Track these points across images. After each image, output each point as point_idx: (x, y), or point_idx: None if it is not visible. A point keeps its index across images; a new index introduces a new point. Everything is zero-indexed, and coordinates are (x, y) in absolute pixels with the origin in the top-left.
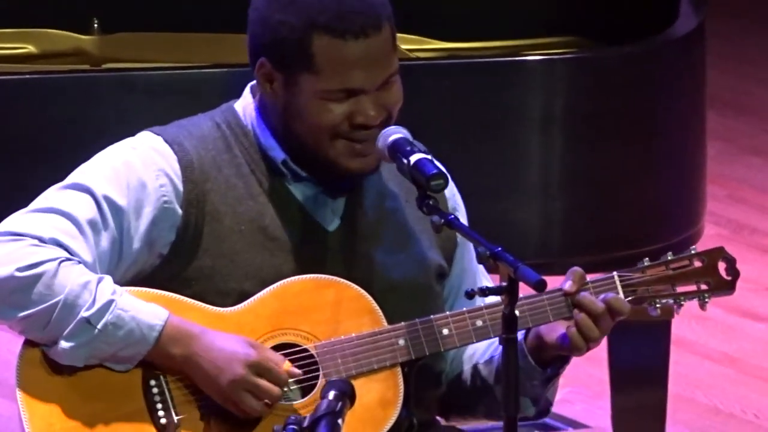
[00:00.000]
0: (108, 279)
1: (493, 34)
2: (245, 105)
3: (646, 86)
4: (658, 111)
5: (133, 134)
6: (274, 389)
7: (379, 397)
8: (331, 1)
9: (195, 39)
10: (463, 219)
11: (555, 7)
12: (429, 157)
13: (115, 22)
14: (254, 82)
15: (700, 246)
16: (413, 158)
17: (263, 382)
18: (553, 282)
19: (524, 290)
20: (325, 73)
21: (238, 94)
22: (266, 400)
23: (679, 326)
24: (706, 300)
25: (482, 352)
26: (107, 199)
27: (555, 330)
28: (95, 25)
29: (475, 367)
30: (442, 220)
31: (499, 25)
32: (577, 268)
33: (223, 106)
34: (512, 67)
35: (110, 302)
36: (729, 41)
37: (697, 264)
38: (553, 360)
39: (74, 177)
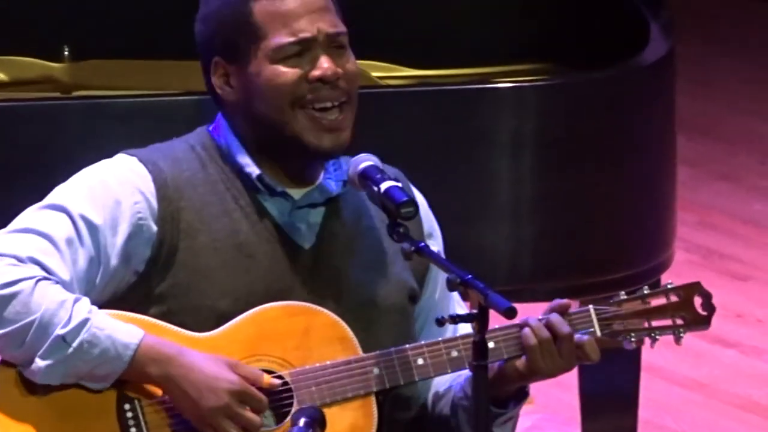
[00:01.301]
0: (85, 300)
1: (464, 62)
2: (219, 128)
3: (616, 112)
4: (629, 136)
5: (102, 159)
6: (256, 419)
7: (353, 425)
8: None
9: (166, 66)
10: (438, 243)
11: (525, 33)
12: (399, 184)
13: (86, 49)
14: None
15: (671, 272)
16: (383, 186)
17: (246, 413)
18: (523, 309)
19: (500, 320)
20: (270, 32)
21: (209, 121)
22: (246, 430)
23: (649, 352)
24: (681, 335)
25: (444, 380)
26: (83, 217)
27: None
28: (66, 53)
29: (435, 395)
30: (413, 248)
31: (469, 52)
32: (560, 300)
33: (198, 129)
34: (482, 94)
35: (86, 320)
36: (699, 66)
37: (673, 299)
38: (510, 396)
39: (51, 198)
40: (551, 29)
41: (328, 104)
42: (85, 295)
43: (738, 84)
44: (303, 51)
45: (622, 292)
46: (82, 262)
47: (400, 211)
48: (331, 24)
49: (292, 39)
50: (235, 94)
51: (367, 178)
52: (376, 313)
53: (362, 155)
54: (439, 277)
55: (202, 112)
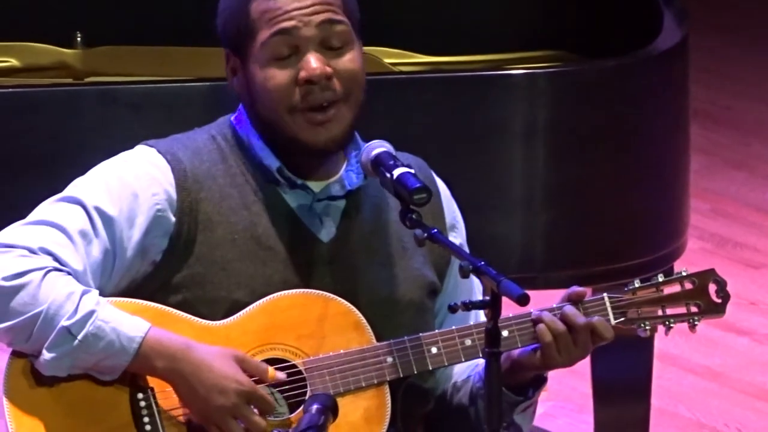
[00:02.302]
0: (94, 292)
1: (477, 48)
2: (240, 117)
3: (629, 100)
4: (642, 125)
5: (116, 148)
6: (262, 422)
7: (366, 415)
8: None
9: (179, 52)
10: (461, 235)
11: (538, 21)
12: (412, 170)
13: (99, 35)
14: None
15: (684, 259)
16: (396, 172)
17: (253, 415)
18: (536, 297)
19: (513, 307)
20: (261, 30)
21: (222, 108)
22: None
23: (662, 340)
24: (696, 322)
25: (462, 370)
26: (98, 209)
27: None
28: (78, 39)
29: (454, 386)
30: (425, 234)
31: (482, 39)
32: (576, 288)
33: (220, 119)
34: (495, 80)
35: (91, 312)
36: (712, 55)
37: (688, 286)
38: (528, 383)
39: (67, 191)
40: (564, 17)
41: (322, 104)
42: (100, 286)
43: (752, 73)
44: (291, 50)
45: (636, 280)
46: (97, 253)
47: (412, 198)
48: (325, 16)
49: (272, 33)
50: (243, 88)
51: (380, 164)
52: (394, 309)
53: (374, 142)
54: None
55: (217, 99)
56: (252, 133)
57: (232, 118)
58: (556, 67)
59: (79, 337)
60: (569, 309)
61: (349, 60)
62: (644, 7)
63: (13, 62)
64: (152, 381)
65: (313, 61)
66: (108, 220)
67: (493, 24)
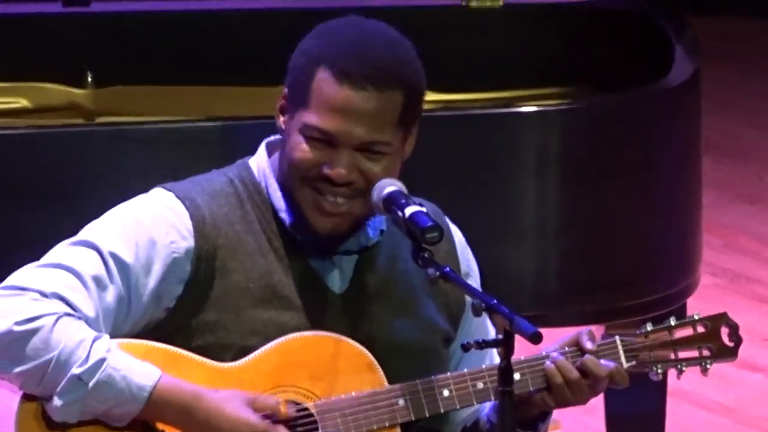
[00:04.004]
0: (105, 338)
1: (487, 86)
2: (259, 161)
3: (641, 134)
4: (654, 158)
5: (128, 187)
6: None
7: None
8: (360, 42)
9: (190, 92)
10: (476, 283)
11: (548, 56)
12: (424, 209)
13: (109, 75)
14: (270, 138)
15: (697, 296)
16: (408, 211)
17: None
18: (549, 334)
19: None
20: (311, 108)
21: (236, 148)
22: None
23: (675, 376)
24: (708, 366)
25: (472, 413)
26: (114, 255)
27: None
28: (89, 79)
29: (464, 429)
30: (437, 273)
31: (492, 77)
32: (589, 329)
33: (239, 162)
34: (507, 118)
35: (102, 360)
36: (724, 87)
37: (700, 329)
38: (535, 417)
39: (83, 234)
40: (574, 52)
41: (331, 197)
42: (113, 332)
43: (764, 104)
44: (328, 141)
45: (649, 323)
46: (111, 299)
47: (424, 236)
48: (368, 133)
49: (318, 126)
50: (282, 132)
51: (392, 203)
52: (407, 357)
53: (386, 180)
54: (473, 317)
55: (231, 139)
56: (270, 180)
57: (250, 160)
58: (567, 104)
59: (90, 385)
60: (590, 361)
61: (381, 167)
62: (655, 41)
63: (24, 103)
64: (163, 426)
65: (343, 165)
66: (123, 267)
67: (503, 61)
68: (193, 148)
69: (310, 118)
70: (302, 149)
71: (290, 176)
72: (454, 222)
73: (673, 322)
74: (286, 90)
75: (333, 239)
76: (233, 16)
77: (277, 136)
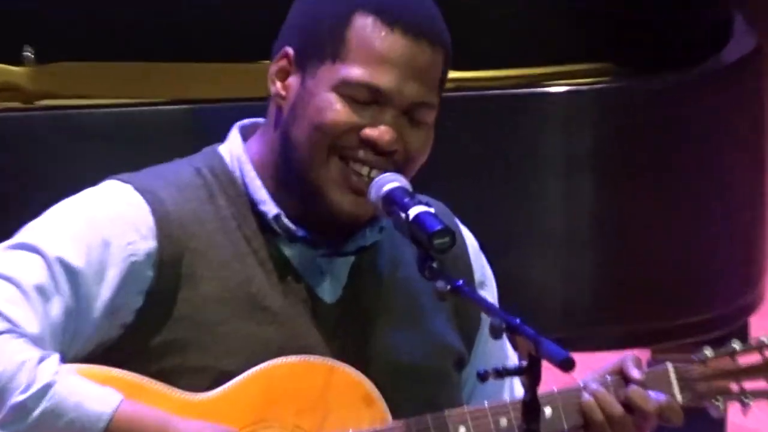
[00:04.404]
0: (53, 358)
1: (507, 61)
2: (232, 148)
3: (691, 122)
4: (708, 151)
5: (77, 185)
6: None
7: None
8: None
9: (151, 70)
10: (493, 294)
11: (580, 28)
12: (432, 210)
13: (54, 50)
14: (243, 121)
15: (760, 315)
16: (413, 211)
17: None
18: (583, 361)
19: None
20: (352, 60)
21: (206, 136)
22: None
23: (736, 412)
24: None
25: None
26: (60, 260)
27: None
28: (29, 54)
29: None
30: (448, 287)
31: (513, 51)
32: (633, 354)
33: (206, 149)
34: (530, 100)
35: (49, 385)
36: None
37: None
38: None
39: (23, 235)
40: (609, 23)
41: (366, 169)
42: (60, 351)
43: None
44: (372, 102)
45: (707, 348)
46: (57, 312)
47: (432, 242)
48: (421, 92)
49: (365, 81)
50: (283, 101)
51: (393, 202)
52: (413, 380)
53: (386, 175)
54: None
55: (197, 125)
56: (248, 168)
57: (220, 148)
58: (603, 83)
59: (35, 413)
60: (637, 393)
61: (422, 139)
62: (708, 10)
63: None
64: None
65: (388, 128)
66: (72, 274)
67: (525, 33)
68: (154, 137)
69: (351, 71)
70: (337, 109)
71: (315, 146)
72: (467, 225)
73: (737, 346)
74: (288, 49)
75: (340, 232)
76: None
77: (253, 120)
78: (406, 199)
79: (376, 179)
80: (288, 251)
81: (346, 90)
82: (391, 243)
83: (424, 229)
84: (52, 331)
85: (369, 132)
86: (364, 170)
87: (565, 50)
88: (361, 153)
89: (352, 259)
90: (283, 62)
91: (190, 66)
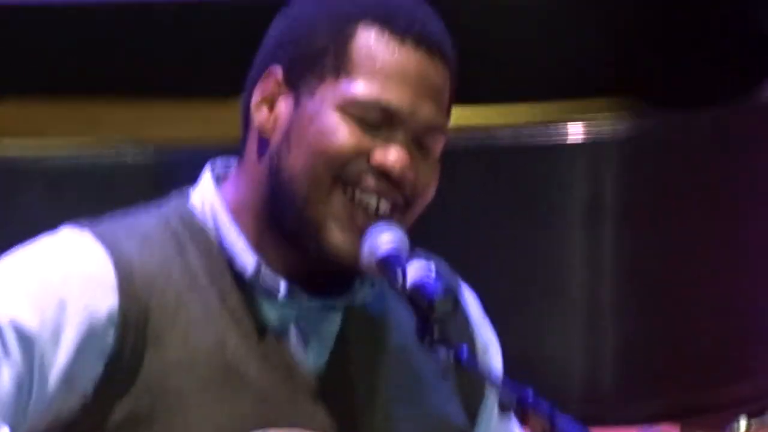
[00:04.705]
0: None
1: (523, 95)
2: (204, 193)
3: (726, 164)
4: (747, 195)
5: (24, 235)
6: None
7: None
8: (403, 2)
9: (112, 108)
10: (497, 361)
11: (601, 59)
12: (432, 269)
13: (2, 84)
14: (215, 162)
15: None
16: (411, 271)
17: None
18: None
19: None
20: (359, 75)
21: (174, 183)
22: None
23: None
24: None
25: None
26: (13, 323)
27: None
28: None
29: None
30: (450, 357)
31: (528, 84)
32: (659, 428)
33: (174, 195)
34: (549, 139)
35: None
36: None
37: None
38: None
39: None
40: (636, 55)
41: (374, 199)
42: (12, 425)
43: None
44: (383, 123)
45: (743, 418)
46: (8, 383)
47: (433, 307)
48: (434, 114)
49: (375, 99)
50: (272, 126)
51: (388, 261)
52: None
53: (381, 226)
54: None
55: (165, 170)
56: (222, 216)
57: (189, 192)
58: (629, 120)
59: None
60: None
61: (431, 172)
62: (744, 41)
63: None
64: None
65: (400, 153)
66: (25, 338)
67: (543, 64)
68: (115, 184)
69: (360, 88)
70: (344, 129)
71: (317, 176)
72: (477, 285)
73: None
74: (275, 69)
75: (327, 287)
76: (172, 7)
77: (226, 160)
78: (404, 259)
79: (370, 230)
80: (268, 310)
81: (353, 110)
82: (383, 305)
83: (423, 293)
84: (3, 404)
85: (381, 157)
86: (373, 200)
87: (583, 83)
88: (370, 180)
89: (339, 320)
90: (269, 85)
91: (161, 103)
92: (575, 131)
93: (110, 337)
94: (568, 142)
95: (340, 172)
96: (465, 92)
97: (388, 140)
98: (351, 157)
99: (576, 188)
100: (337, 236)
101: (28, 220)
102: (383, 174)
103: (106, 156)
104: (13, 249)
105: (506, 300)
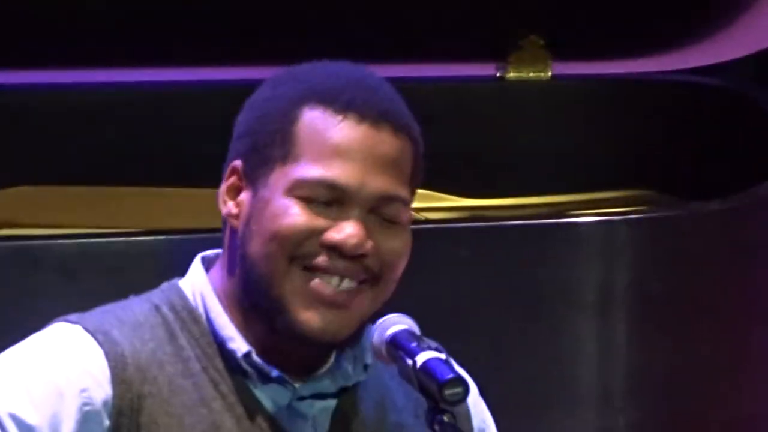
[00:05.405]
0: None
1: (531, 189)
2: (194, 281)
3: (744, 257)
4: (762, 290)
5: (31, 326)
6: None
7: None
8: (352, 75)
9: (122, 195)
10: None
11: (611, 152)
12: (443, 356)
13: (8, 173)
14: (205, 252)
15: None
16: (420, 358)
17: None
18: None
19: None
20: (304, 157)
21: (182, 270)
22: None
23: None
24: None
25: None
26: (14, 418)
27: None
28: None
29: None
30: None
31: (539, 176)
32: None
33: (165, 284)
34: (557, 231)
35: None
36: None
37: None
38: None
39: None
40: (647, 147)
41: (335, 279)
42: None
43: None
44: (333, 201)
45: None
46: None
47: (444, 393)
48: (386, 185)
49: (320, 178)
50: (236, 215)
51: (398, 347)
52: None
53: (392, 316)
54: None
55: (172, 258)
56: (213, 303)
57: (181, 282)
58: (642, 213)
59: None
60: None
61: (396, 239)
62: (757, 131)
63: None
64: None
65: (353, 227)
66: (26, 431)
67: (552, 157)
68: (127, 273)
69: (304, 170)
70: (292, 213)
71: (273, 257)
72: (483, 377)
73: None
74: (237, 162)
75: (317, 365)
76: (178, 92)
77: (216, 251)
78: (414, 344)
79: (379, 322)
80: (260, 394)
81: (301, 191)
82: (378, 384)
83: (434, 378)
84: None
85: (331, 235)
86: (333, 281)
87: (594, 177)
88: (325, 261)
89: (333, 402)
90: (233, 179)
91: (167, 191)
92: (587, 219)
93: (105, 426)
94: (578, 224)
95: (295, 251)
96: (478, 186)
97: (340, 217)
98: (303, 237)
99: (587, 275)
100: (302, 313)
101: (35, 302)
102: (337, 252)
103: (113, 243)
104: (26, 330)
105: (516, 392)
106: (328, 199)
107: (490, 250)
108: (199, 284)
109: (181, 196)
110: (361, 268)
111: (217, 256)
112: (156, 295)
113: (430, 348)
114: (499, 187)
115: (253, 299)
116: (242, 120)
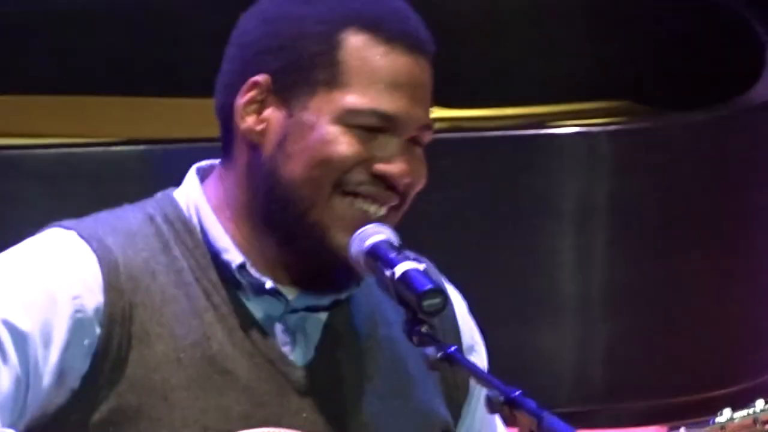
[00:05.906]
0: None
1: (514, 99)
2: (189, 192)
3: (724, 167)
4: (739, 203)
5: (24, 233)
6: None
7: None
8: (384, 6)
9: (104, 104)
10: (482, 360)
11: (595, 63)
12: (422, 267)
13: None
14: (200, 163)
15: None
16: (399, 268)
17: None
18: None
19: None
20: (353, 85)
21: (162, 180)
22: None
23: None
24: None
25: None
26: (6, 323)
27: None
28: None
29: None
30: (439, 354)
31: (521, 87)
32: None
33: (159, 194)
34: (539, 142)
35: None
36: None
37: None
38: None
39: None
40: (630, 58)
41: (375, 207)
42: (11, 424)
43: None
44: (378, 129)
45: (727, 410)
46: (6, 384)
47: (422, 304)
48: (425, 114)
49: (372, 108)
50: (263, 136)
51: (377, 257)
52: None
53: (371, 226)
54: (481, 404)
55: (154, 167)
56: (207, 214)
57: (175, 192)
58: (621, 123)
59: None
60: None
61: (423, 166)
62: (737, 42)
63: None
64: None
65: (403, 160)
66: (20, 338)
67: (535, 67)
68: (107, 182)
69: (356, 99)
70: (345, 142)
71: (317, 184)
72: (464, 285)
73: (760, 406)
74: (261, 77)
75: (313, 284)
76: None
77: (211, 161)
78: (393, 254)
79: (358, 232)
80: (253, 306)
81: (351, 120)
82: (369, 298)
83: (412, 289)
84: (2, 406)
85: (383, 167)
86: (373, 208)
87: (576, 87)
88: (370, 189)
89: (324, 315)
90: (253, 93)
91: (141, 101)
92: (567, 130)
93: (96, 332)
94: (558, 135)
95: (342, 178)
96: (459, 97)
97: (386, 145)
98: (352, 166)
99: (569, 186)
100: (341, 238)
101: (18, 209)
102: (385, 181)
103: (96, 153)
104: (10, 238)
105: (496, 300)
106: (377, 127)
107: (470, 160)
108: (194, 196)
109: (157, 106)
110: (397, 195)
111: (212, 167)
112: (150, 205)
113: (408, 258)
114: (480, 98)
115: (277, 219)
116: (264, 33)
